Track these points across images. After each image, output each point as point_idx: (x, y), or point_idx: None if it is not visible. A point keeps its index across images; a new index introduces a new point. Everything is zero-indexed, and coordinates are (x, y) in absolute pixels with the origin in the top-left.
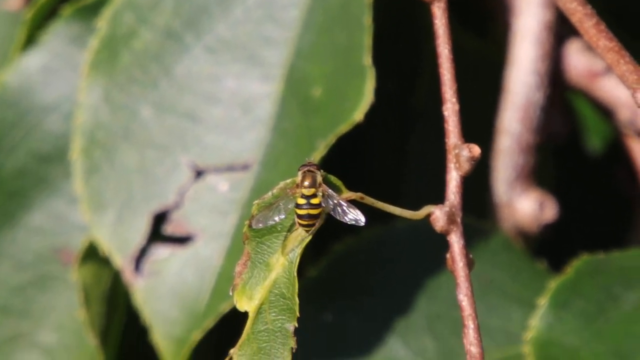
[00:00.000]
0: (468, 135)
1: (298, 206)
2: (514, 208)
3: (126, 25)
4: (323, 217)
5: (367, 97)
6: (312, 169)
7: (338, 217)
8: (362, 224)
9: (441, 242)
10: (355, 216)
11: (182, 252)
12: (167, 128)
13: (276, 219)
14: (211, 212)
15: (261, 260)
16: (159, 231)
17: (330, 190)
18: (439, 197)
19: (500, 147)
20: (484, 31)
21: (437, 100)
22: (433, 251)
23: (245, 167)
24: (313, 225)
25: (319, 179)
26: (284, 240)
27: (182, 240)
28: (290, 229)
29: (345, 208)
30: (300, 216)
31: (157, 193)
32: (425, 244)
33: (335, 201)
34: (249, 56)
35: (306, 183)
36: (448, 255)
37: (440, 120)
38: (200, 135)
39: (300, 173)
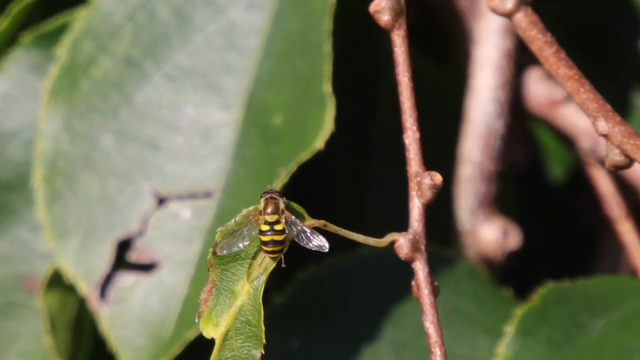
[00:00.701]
0: (429, 162)
1: (262, 232)
2: (477, 236)
3: (86, 53)
4: (287, 244)
5: (328, 125)
6: (274, 195)
7: (302, 244)
8: (326, 250)
9: (406, 270)
10: (319, 242)
11: (146, 279)
12: (128, 156)
13: (240, 245)
14: (174, 239)
15: (226, 288)
16: (123, 258)
17: (293, 217)
18: (402, 225)
19: (461, 175)
20: (444, 59)
21: (398, 128)
22: (398, 278)
23: (207, 195)
24: (278, 252)
25: (282, 205)
26: (249, 268)
27: (146, 267)
28: (254, 256)
29: (309, 234)
30: (264, 242)
31: (120, 221)
32: (389, 271)
33: (299, 227)
34: (208, 84)
35: (269, 210)
36: (413, 283)
37: (401, 147)
38: (162, 163)
39: (262, 200)
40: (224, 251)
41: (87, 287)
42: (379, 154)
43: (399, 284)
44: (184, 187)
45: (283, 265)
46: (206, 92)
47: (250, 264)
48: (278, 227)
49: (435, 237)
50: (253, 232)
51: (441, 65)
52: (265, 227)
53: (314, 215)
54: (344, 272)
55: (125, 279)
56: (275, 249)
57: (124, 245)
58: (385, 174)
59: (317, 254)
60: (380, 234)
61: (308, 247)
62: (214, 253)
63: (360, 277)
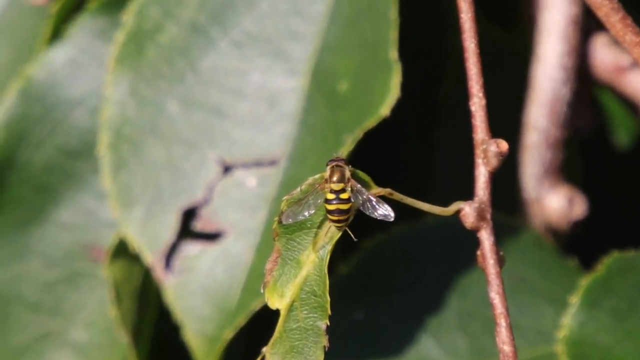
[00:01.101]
0: (495, 130)
1: (327, 201)
2: (543, 204)
3: (152, 19)
4: (353, 212)
5: (394, 91)
6: (340, 163)
7: (367, 213)
8: (392, 219)
9: (471, 239)
10: (385, 211)
11: (212, 248)
12: (194, 123)
13: (306, 214)
14: (240, 208)
15: (291, 257)
16: (188, 227)
17: (359, 186)
18: (467, 193)
19: (527, 142)
20: (510, 24)
21: (464, 94)
22: (463, 248)
23: (273, 163)
24: (344, 221)
25: (348, 174)
26: (314, 237)
27: (212, 236)
28: (320, 225)
29: (374, 203)
30: (330, 211)
31: (186, 189)
32: (455, 240)
33: (365, 196)
34: (274, 50)
35: (335, 178)
36: (478, 252)
37: (467, 114)
38: (227, 131)
39: (328, 168)
40: (290, 220)
41: (152, 257)
42: (444, 121)
43: (464, 254)
44: (249, 154)
45: (354, 239)
46: (272, 59)
47: (316, 233)
48: (344, 195)
49: (500, 206)
50: (319, 201)
51: (508, 30)
52: (331, 196)
53: (380, 183)
54: (409, 241)
55: (191, 248)
56: (341, 218)
57: (189, 214)
58: (451, 141)
59: (382, 223)
60: (446, 203)
61: (373, 216)
62: (280, 222)
63: (425, 246)
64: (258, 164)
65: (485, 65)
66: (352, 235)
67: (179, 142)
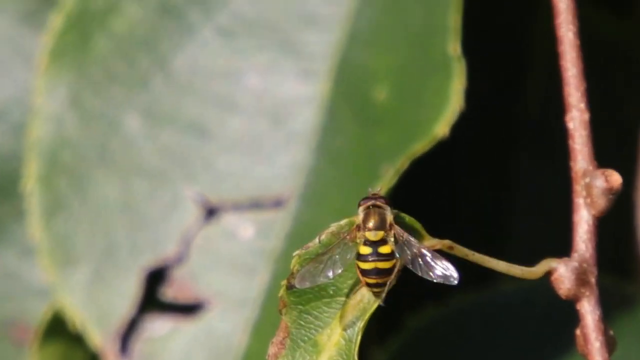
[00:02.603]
0: (602, 157)
1: (361, 257)
2: None
3: None
4: (397, 274)
5: (455, 101)
6: (378, 203)
7: (420, 273)
8: (455, 282)
9: (567, 313)
10: (445, 271)
11: (188, 326)
12: (163, 146)
13: (329, 275)
14: (230, 268)
15: (306, 338)
16: (155, 296)
17: (406, 235)
18: (561, 247)
19: None
20: (625, 10)
21: (556, 107)
22: (554, 325)
23: (278, 203)
24: (383, 284)
25: (390, 218)
26: (341, 309)
27: (188, 309)
28: (348, 292)
29: (429, 259)
30: (364, 272)
31: (151, 240)
32: (542, 314)
33: (415, 250)
34: (281, 42)
35: (371, 224)
36: (578, 332)
37: (559, 135)
38: (212, 157)
39: (361, 210)
40: (305, 284)
41: (101, 337)
42: (526, 144)
43: (555, 333)
44: (244, 192)
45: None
46: (278, 54)
47: (343, 304)
48: (384, 249)
49: (608, 266)
50: (347, 257)
51: (622, 18)
52: (366, 250)
53: (436, 231)
54: (477, 316)
55: (158, 326)
56: (379, 280)
57: (157, 277)
58: (535, 171)
59: (438, 289)
60: (530, 260)
61: (428, 277)
62: (290, 287)
63: (500, 322)
64: (256, 205)
65: (589, 64)
66: (382, 302)
67: (142, 173)
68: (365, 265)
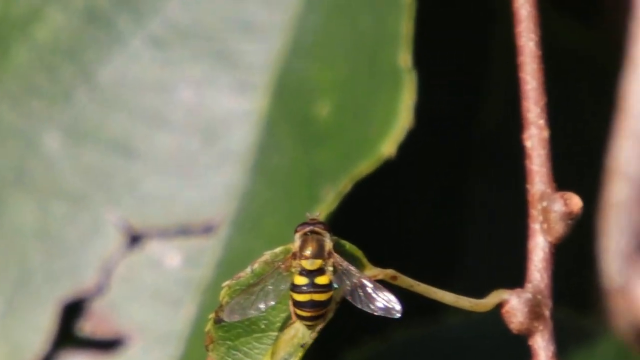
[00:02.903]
0: (561, 178)
1: (296, 288)
2: (632, 296)
3: (24, 1)
4: (335, 306)
5: (403, 118)
6: (317, 229)
7: (360, 305)
8: (398, 315)
9: (519, 349)
10: (387, 303)
11: None
12: (86, 166)
13: (261, 307)
14: (153, 299)
15: None
16: (72, 331)
17: (345, 264)
18: (515, 276)
19: (611, 198)
20: (589, 18)
21: (515, 124)
22: None
23: (208, 229)
24: (319, 317)
25: (329, 245)
26: (272, 345)
27: (107, 344)
28: (282, 326)
29: (370, 290)
30: (298, 304)
31: (69, 269)
32: (491, 350)
33: (355, 280)
34: (217, 52)
35: (308, 252)
36: None
37: (518, 154)
38: (137, 179)
39: (298, 236)
40: (234, 317)
41: None
42: (481, 164)
43: None
44: (171, 217)
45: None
46: (213, 65)
47: (275, 339)
48: (322, 279)
49: (564, 297)
50: (281, 288)
51: (585, 27)
52: (301, 280)
53: (380, 260)
54: (421, 352)
55: None
56: (315, 313)
57: (74, 310)
58: (490, 194)
59: (379, 322)
60: (481, 290)
61: (369, 310)
62: (218, 321)
63: (446, 358)
64: (185, 231)
65: (550, 76)
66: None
67: (61, 196)
68: (300, 297)
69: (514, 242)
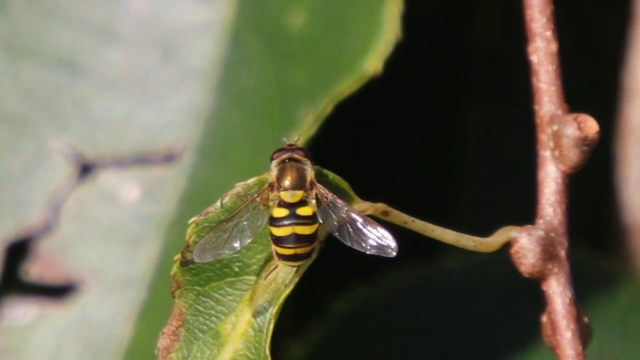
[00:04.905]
0: (573, 98)
1: (275, 221)
2: None
3: None
4: (319, 243)
5: (389, 29)
6: (296, 156)
7: (349, 243)
8: (394, 253)
9: (530, 294)
10: (380, 240)
11: (58, 312)
12: (25, 86)
13: (236, 245)
14: (109, 239)
15: (205, 327)
16: (16, 274)
17: (330, 195)
18: (522, 211)
19: (631, 121)
20: None
21: (515, 35)
22: (513, 310)
23: (169, 158)
24: (303, 257)
25: (310, 175)
26: (249, 291)
27: (57, 290)
28: (259, 270)
29: (360, 226)
30: (279, 239)
31: (11, 204)
32: (498, 296)
33: (343, 215)
34: None
35: (287, 182)
36: (544, 318)
37: (519, 71)
38: (85, 100)
39: (275, 164)
40: (206, 257)
41: None
42: (478, 82)
43: (515, 320)
44: (126, 143)
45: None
46: None
47: (252, 285)
48: (304, 210)
49: (581, 235)
50: (258, 223)
51: None
52: (281, 212)
53: (367, 193)
54: (417, 300)
55: (20, 312)
56: (298, 251)
57: (18, 251)
58: (489, 117)
59: (369, 264)
60: (483, 228)
61: (360, 248)
62: (185, 263)
63: (445, 306)
64: (142, 160)
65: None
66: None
67: None
68: (280, 231)
69: (520, 172)
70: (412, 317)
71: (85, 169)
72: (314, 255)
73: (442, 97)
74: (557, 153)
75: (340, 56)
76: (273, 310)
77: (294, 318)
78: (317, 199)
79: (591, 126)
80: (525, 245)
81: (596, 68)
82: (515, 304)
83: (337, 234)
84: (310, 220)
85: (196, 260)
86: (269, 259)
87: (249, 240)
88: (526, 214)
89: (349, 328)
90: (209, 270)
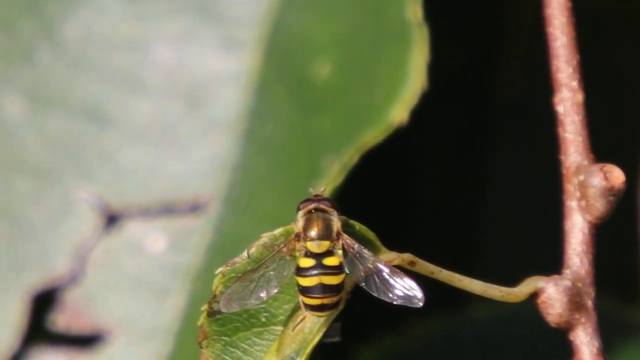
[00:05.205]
0: (599, 149)
1: (301, 271)
2: None
3: None
4: (346, 293)
5: (415, 79)
6: (323, 207)
7: (376, 293)
8: (420, 303)
9: (557, 344)
10: (407, 290)
11: None
12: (51, 136)
13: (262, 295)
14: (136, 289)
15: None
16: (42, 325)
17: (357, 246)
18: (548, 262)
19: None
20: None
21: (540, 86)
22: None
23: (195, 208)
24: (330, 307)
25: (337, 225)
26: (276, 341)
27: (84, 340)
28: (285, 320)
29: (387, 276)
30: (305, 289)
31: (38, 254)
32: (525, 346)
33: (370, 265)
34: (198, 5)
35: (314, 232)
36: None
37: (545, 121)
38: (111, 150)
39: (301, 215)
40: (233, 307)
41: None
42: (503, 132)
43: None
44: (152, 194)
45: (336, 339)
46: (193, 20)
47: (279, 335)
48: (331, 260)
49: (607, 285)
50: (284, 273)
51: None
52: (307, 262)
53: (391, 243)
54: (444, 350)
55: None
56: (325, 301)
57: (45, 301)
58: (514, 167)
59: (396, 315)
60: (508, 278)
61: (387, 298)
62: (212, 313)
63: (472, 356)
64: (168, 210)
65: (582, 33)
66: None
67: (24, 170)
68: (307, 282)
69: (546, 222)
70: None
71: (112, 219)
72: (341, 306)
73: (467, 146)
74: (583, 203)
75: (366, 106)
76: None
77: None
78: (343, 249)
79: (617, 176)
80: (552, 295)
81: (622, 116)
82: (542, 354)
83: (363, 284)
84: (336, 270)
85: (223, 309)
86: (296, 309)
87: (276, 290)
88: (550, 264)
89: None
90: (236, 320)
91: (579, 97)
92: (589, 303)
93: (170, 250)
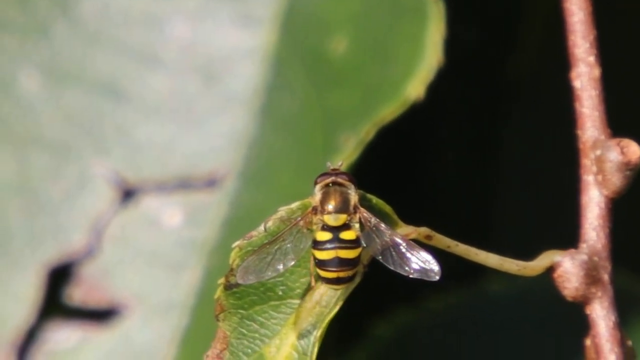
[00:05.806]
0: (616, 123)
1: (318, 245)
2: None
3: None
4: (363, 266)
5: (431, 55)
6: (340, 180)
7: (392, 266)
8: (437, 277)
9: (573, 318)
10: (424, 264)
11: (101, 336)
12: (68, 111)
13: (279, 267)
14: (152, 263)
15: (249, 350)
16: (59, 299)
17: (373, 219)
18: (565, 236)
19: None
20: None
21: (557, 60)
22: (557, 333)
23: (211, 183)
24: (346, 280)
25: (354, 199)
26: (292, 314)
27: (100, 314)
28: (302, 293)
29: (404, 250)
30: (322, 263)
31: (54, 229)
32: (541, 320)
33: (386, 239)
34: None
35: (331, 206)
36: (588, 342)
37: (562, 96)
38: (128, 125)
39: (319, 188)
40: (249, 279)
41: None
42: (519, 106)
43: (559, 343)
44: (168, 168)
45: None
46: None
47: (296, 308)
48: (348, 234)
49: (624, 259)
50: (301, 246)
51: None
52: (324, 235)
53: (408, 216)
54: (460, 323)
55: (63, 336)
56: (341, 274)
57: (60, 276)
58: (530, 142)
59: (411, 288)
60: (524, 252)
61: (403, 272)
62: (229, 287)
63: (489, 329)
64: (185, 185)
65: (600, 9)
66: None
67: (41, 145)
68: (323, 255)
69: (562, 197)
70: (454, 340)
71: (128, 194)
72: (357, 279)
73: (482, 121)
74: (600, 178)
75: (382, 82)
76: (317, 334)
77: (337, 342)
78: (360, 223)
79: (634, 151)
80: (568, 269)
81: (638, 92)
82: (558, 328)
83: (380, 257)
84: (353, 244)
85: (239, 281)
86: (312, 280)
87: (292, 263)
88: (567, 238)
89: (392, 351)
90: (252, 293)
91: (596, 72)
92: (605, 277)
93: (186, 225)
